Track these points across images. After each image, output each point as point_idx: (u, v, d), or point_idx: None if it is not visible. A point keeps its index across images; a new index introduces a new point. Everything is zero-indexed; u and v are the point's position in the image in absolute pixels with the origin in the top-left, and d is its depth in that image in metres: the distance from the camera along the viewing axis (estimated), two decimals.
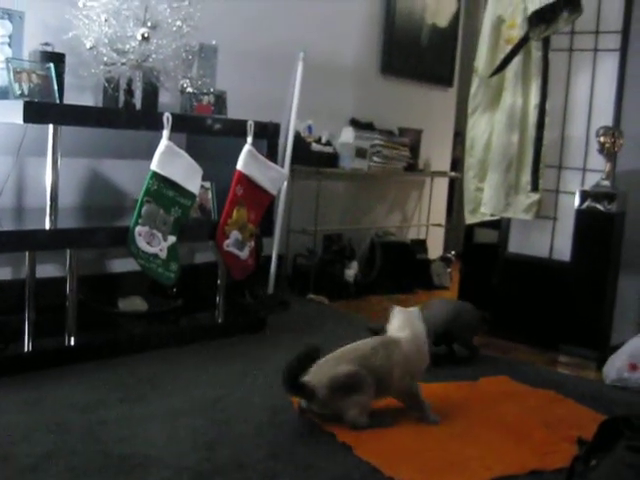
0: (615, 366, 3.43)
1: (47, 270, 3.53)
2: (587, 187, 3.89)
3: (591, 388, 3.33)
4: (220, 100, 3.81)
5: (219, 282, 3.76)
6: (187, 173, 3.30)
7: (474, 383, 3.24)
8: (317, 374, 2.62)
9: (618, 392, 3.30)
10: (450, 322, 3.49)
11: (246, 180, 3.56)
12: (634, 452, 1.86)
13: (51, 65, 3.18)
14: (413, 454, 2.43)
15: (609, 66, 3.93)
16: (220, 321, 3.76)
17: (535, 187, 3.94)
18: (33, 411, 2.59)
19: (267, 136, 3.75)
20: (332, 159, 4.97)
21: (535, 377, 3.39)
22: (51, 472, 2.16)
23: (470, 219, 4.25)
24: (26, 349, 3.08)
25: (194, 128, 3.57)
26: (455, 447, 2.51)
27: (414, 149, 5.54)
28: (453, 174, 6.21)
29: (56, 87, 3.17)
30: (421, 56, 5.84)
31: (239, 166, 3.54)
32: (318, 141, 4.95)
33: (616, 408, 2.93)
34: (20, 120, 2.84)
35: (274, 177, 3.71)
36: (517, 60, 3.89)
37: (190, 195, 3.33)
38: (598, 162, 3.89)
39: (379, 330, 2.97)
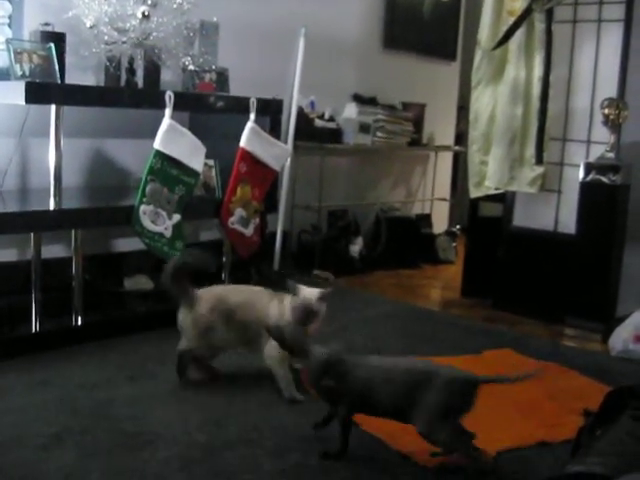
0: (621, 338, 3.44)
1: (53, 251, 3.53)
2: (591, 159, 3.88)
3: (597, 360, 3.34)
4: (222, 77, 3.80)
5: (224, 259, 3.77)
6: (190, 151, 3.30)
7: (478, 356, 3.25)
8: None
9: (624, 364, 3.31)
10: None
11: (250, 157, 3.56)
12: (638, 422, 1.87)
13: (52, 45, 3.17)
14: None
15: (613, 37, 3.89)
16: None
17: (539, 160, 3.93)
18: (42, 391, 2.61)
19: (270, 113, 3.74)
20: (335, 135, 4.95)
21: (540, 350, 3.39)
22: (62, 451, 2.18)
23: (475, 193, 4.24)
24: (33, 330, 3.10)
25: (196, 106, 3.56)
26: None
27: (418, 123, 5.52)
28: (457, 148, 6.19)
29: (57, 67, 3.16)
30: (423, 30, 5.81)
31: (242, 143, 3.53)
32: (321, 117, 4.93)
33: (622, 379, 2.92)
34: (22, 101, 2.84)
35: (277, 154, 3.71)
36: (520, 32, 3.87)
37: (194, 173, 3.33)
38: (602, 134, 3.87)
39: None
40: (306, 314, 2.61)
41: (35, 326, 3.12)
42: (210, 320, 2.68)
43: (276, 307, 2.68)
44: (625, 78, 3.86)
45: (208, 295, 2.75)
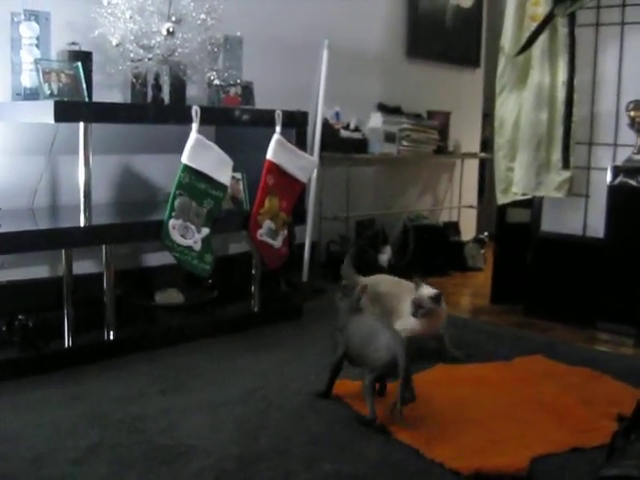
0: None
1: (84, 266, 3.57)
2: (619, 162, 3.86)
3: (629, 364, 3.31)
4: (247, 91, 3.83)
5: (254, 272, 3.79)
6: (218, 165, 3.32)
7: (509, 363, 3.24)
8: None
9: None
10: None
11: (276, 169, 3.58)
12: None
13: (79, 64, 3.21)
14: (453, 436, 2.44)
15: (637, 39, 3.88)
16: (256, 310, 3.79)
17: (566, 164, 3.91)
18: (76, 406, 2.64)
19: (295, 125, 3.76)
20: (361, 145, 4.96)
21: (571, 355, 3.37)
22: (96, 465, 2.19)
23: (502, 199, 4.23)
24: (66, 345, 3.13)
25: (223, 120, 3.59)
26: (495, 427, 2.51)
27: (443, 131, 5.52)
28: (483, 155, 6.18)
29: (85, 85, 3.20)
30: (446, 38, 5.82)
31: (269, 155, 3.55)
32: (346, 127, 4.95)
33: None
34: (51, 120, 2.87)
35: (304, 165, 3.73)
36: (543, 37, 3.86)
37: (221, 187, 3.35)
38: (629, 137, 3.85)
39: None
40: (416, 308, 3.06)
41: (68, 341, 3.15)
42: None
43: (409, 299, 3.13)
44: None
45: (365, 281, 3.29)
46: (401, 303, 3.21)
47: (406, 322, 3.14)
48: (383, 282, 3.37)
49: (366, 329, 2.63)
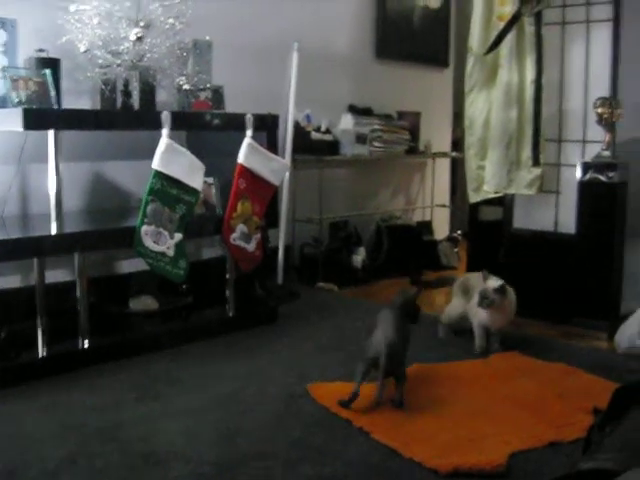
0: (626, 334, 3.44)
1: (56, 275, 3.54)
2: (588, 159, 3.89)
3: (603, 358, 3.35)
4: (217, 95, 3.82)
5: (228, 276, 3.78)
6: (189, 170, 3.31)
7: (485, 360, 3.26)
8: None
9: (630, 360, 3.31)
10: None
11: (248, 173, 3.58)
12: None
13: (47, 71, 3.19)
14: (431, 434, 2.45)
15: (602, 37, 3.91)
16: (231, 315, 3.78)
17: (536, 162, 3.95)
18: (52, 416, 2.61)
19: (266, 128, 3.76)
20: (333, 147, 4.97)
21: (546, 350, 3.41)
22: (74, 475, 2.18)
23: (474, 198, 4.26)
24: (40, 355, 3.10)
25: (193, 124, 3.58)
26: (472, 425, 2.53)
27: (414, 132, 5.54)
28: (454, 154, 6.19)
29: (53, 92, 3.19)
30: (415, 38, 5.84)
31: (240, 159, 3.55)
32: (317, 130, 4.95)
33: (629, 376, 2.94)
34: (20, 127, 2.86)
35: (276, 168, 3.72)
36: (511, 36, 3.89)
37: (194, 191, 3.34)
38: (597, 133, 3.88)
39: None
40: (481, 299, 3.30)
41: (41, 351, 3.12)
42: (455, 290, 3.65)
43: None
44: (616, 76, 3.88)
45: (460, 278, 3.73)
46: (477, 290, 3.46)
47: (477, 312, 3.41)
48: (473, 277, 3.60)
49: (375, 321, 2.78)
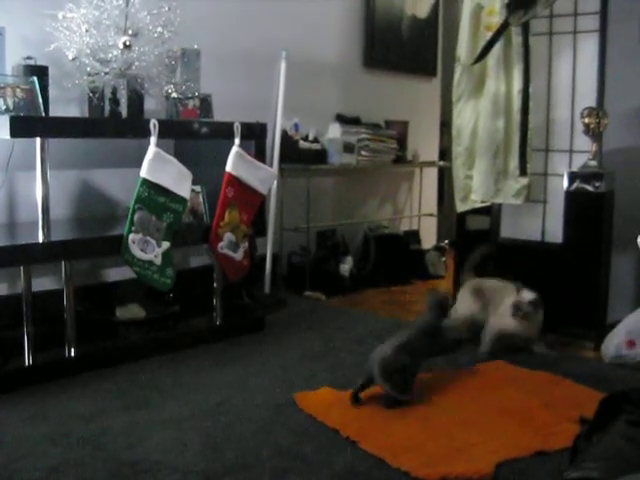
0: (613, 344, 3.45)
1: (43, 283, 3.54)
2: (575, 168, 3.90)
3: (590, 367, 3.36)
4: (205, 103, 3.82)
5: (215, 285, 3.77)
6: (177, 178, 3.31)
7: (472, 370, 3.26)
8: None
9: (617, 369, 3.32)
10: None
11: (236, 181, 3.58)
12: (633, 426, 1.89)
13: (35, 78, 3.18)
14: (418, 444, 2.45)
15: (589, 47, 3.93)
16: (218, 323, 3.78)
17: (523, 171, 3.96)
18: (38, 424, 2.60)
19: (254, 136, 3.76)
20: (320, 155, 4.97)
21: (532, 360, 3.41)
22: None
23: (461, 207, 4.26)
24: (27, 363, 3.09)
25: (181, 133, 3.58)
26: (459, 434, 2.53)
27: (401, 141, 5.55)
28: (442, 163, 6.21)
29: (41, 100, 3.18)
30: (403, 48, 5.86)
31: (228, 168, 3.55)
32: (305, 138, 4.96)
33: (616, 385, 2.94)
34: (7, 135, 2.85)
35: (264, 177, 3.72)
36: (498, 46, 3.90)
37: (181, 200, 3.34)
38: (584, 143, 3.90)
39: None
40: (516, 309, 3.42)
41: (28, 359, 3.11)
42: (465, 292, 3.77)
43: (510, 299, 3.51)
44: (603, 87, 3.90)
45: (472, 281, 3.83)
46: (504, 298, 3.56)
47: (505, 320, 3.49)
48: (489, 280, 3.76)
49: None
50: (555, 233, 4.04)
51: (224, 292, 3.81)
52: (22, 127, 2.91)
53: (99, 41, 3.32)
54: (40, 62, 3.33)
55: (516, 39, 3.88)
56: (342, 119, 5.26)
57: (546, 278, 4.00)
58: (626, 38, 3.89)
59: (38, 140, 2.97)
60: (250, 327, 3.85)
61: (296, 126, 4.92)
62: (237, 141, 3.58)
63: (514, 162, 3.97)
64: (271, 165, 4.45)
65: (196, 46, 3.83)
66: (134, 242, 3.19)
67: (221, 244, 3.58)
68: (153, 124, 3.22)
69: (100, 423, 2.61)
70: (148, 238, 3.23)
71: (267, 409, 2.76)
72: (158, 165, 3.23)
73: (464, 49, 4.04)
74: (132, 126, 3.36)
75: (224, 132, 3.59)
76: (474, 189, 4.12)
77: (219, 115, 3.85)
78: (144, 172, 3.20)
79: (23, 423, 2.61)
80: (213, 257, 3.67)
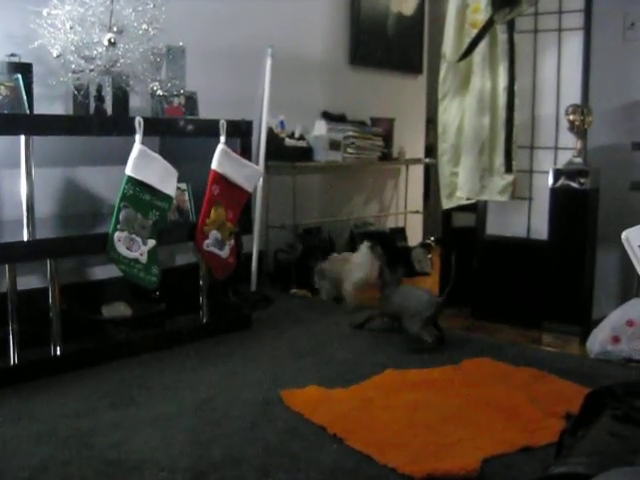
0: (598, 340, 3.47)
1: (28, 281, 3.52)
2: (560, 165, 3.93)
3: (575, 363, 3.37)
4: (191, 101, 3.81)
5: (201, 283, 3.76)
6: (162, 176, 3.30)
7: (457, 366, 3.26)
8: None
9: (602, 365, 3.34)
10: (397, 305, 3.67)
11: (222, 179, 3.57)
12: (617, 421, 1.90)
13: (19, 76, 3.16)
14: (405, 440, 2.45)
15: (574, 45, 3.96)
16: (205, 321, 3.77)
17: (509, 168, 3.98)
18: (23, 423, 2.59)
19: (240, 134, 3.75)
20: (306, 153, 4.97)
21: (518, 356, 3.42)
22: None
23: (447, 204, 4.28)
24: (12, 362, 3.07)
25: (166, 130, 3.57)
26: (445, 430, 2.53)
27: (387, 138, 5.55)
28: (428, 160, 6.23)
29: (25, 97, 3.16)
30: (389, 45, 5.87)
31: (214, 165, 3.54)
32: (291, 136, 4.96)
33: (601, 380, 2.95)
34: None
35: (249, 174, 3.72)
36: (484, 44, 3.92)
37: (167, 198, 3.33)
38: (569, 140, 3.93)
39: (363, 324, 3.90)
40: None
41: (13, 358, 3.09)
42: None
43: None
44: (588, 84, 3.93)
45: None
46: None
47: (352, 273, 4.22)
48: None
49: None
50: (540, 230, 4.07)
51: (210, 290, 3.80)
52: (6, 124, 2.90)
53: (84, 38, 3.30)
54: (24, 59, 3.30)
55: (501, 36, 3.90)
56: (328, 116, 5.26)
57: (532, 275, 4.03)
58: (610, 35, 3.92)
59: (22, 138, 2.96)
60: (236, 325, 3.85)
61: (282, 123, 4.92)
62: (223, 139, 3.57)
63: (499, 159, 3.99)
64: (257, 162, 4.44)
65: (181, 43, 3.82)
66: (120, 240, 3.18)
67: (207, 242, 3.57)
68: (138, 122, 3.21)
69: (86, 421, 2.61)
70: (134, 236, 3.22)
71: (254, 406, 2.76)
72: (143, 163, 3.22)
73: (450, 46, 4.05)
74: (117, 124, 3.34)
75: (210, 130, 3.58)
76: (460, 186, 4.13)
77: (204, 112, 3.84)
78: (129, 170, 3.19)
79: (9, 422, 2.60)
80: (199, 255, 3.66)
